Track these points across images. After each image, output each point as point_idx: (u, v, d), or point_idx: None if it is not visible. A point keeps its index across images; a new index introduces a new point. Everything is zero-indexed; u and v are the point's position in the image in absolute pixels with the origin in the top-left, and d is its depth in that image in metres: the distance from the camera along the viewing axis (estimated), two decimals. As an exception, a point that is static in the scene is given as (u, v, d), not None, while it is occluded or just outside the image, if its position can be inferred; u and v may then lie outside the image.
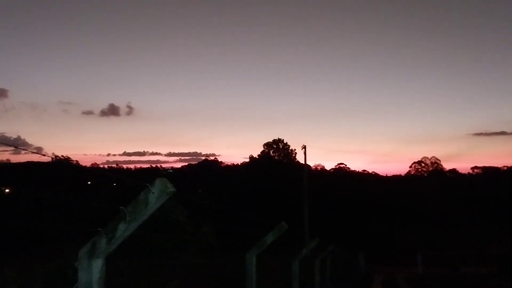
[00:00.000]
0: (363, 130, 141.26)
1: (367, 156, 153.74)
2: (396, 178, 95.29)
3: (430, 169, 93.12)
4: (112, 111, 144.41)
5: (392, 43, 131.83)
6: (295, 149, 79.21)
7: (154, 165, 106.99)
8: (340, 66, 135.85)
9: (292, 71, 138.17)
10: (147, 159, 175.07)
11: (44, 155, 2.53)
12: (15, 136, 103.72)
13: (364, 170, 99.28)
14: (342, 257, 19.71)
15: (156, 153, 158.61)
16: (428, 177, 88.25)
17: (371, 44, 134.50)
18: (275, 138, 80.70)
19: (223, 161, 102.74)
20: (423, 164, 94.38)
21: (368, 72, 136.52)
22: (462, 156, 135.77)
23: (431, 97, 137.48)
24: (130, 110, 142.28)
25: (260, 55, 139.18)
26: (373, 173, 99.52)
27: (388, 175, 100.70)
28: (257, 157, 79.89)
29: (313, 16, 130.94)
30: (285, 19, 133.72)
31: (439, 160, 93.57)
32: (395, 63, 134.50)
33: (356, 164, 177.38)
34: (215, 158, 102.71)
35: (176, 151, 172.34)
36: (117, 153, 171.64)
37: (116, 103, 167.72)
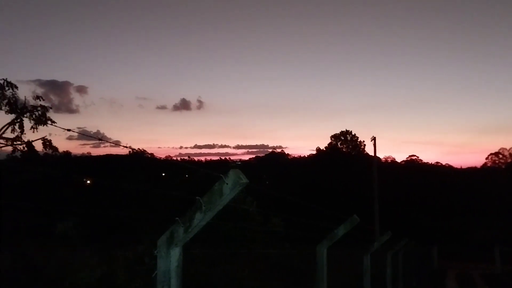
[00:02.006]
0: (436, 119, 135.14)
1: (440, 147, 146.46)
2: (471, 171, 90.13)
3: (509, 160, 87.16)
4: (183, 105, 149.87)
5: (465, 27, 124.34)
6: (363, 141, 77.56)
7: (223, 158, 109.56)
8: (410, 53, 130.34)
9: (360, 61, 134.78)
10: (217, 152, 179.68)
11: (125, 146, 2.67)
12: (94, 130, 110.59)
13: (437, 162, 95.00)
14: (415, 252, 19.05)
15: (225, 146, 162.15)
16: (506, 169, 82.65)
17: (442, 30, 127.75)
18: (343, 130, 79.35)
19: (290, 153, 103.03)
20: (500, 156, 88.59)
21: (440, 59, 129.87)
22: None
23: (509, 83, 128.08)
24: (200, 104, 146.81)
25: (328, 46, 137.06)
26: (447, 165, 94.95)
27: (462, 167, 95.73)
28: (324, 149, 79.01)
29: (380, 5, 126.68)
30: (350, 9, 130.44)
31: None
32: (468, 47, 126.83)
33: (428, 156, 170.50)
34: (282, 150, 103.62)
35: (244, 144, 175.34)
36: (188, 146, 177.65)
37: (188, 98, 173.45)
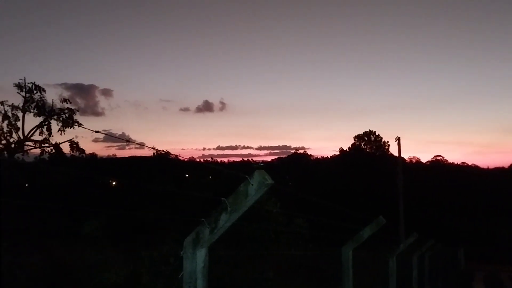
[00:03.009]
0: (461, 119, 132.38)
1: (466, 148, 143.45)
2: (498, 171, 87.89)
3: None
4: (206, 107, 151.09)
5: (491, 23, 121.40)
6: (388, 141, 76.59)
7: (245, 159, 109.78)
8: (434, 52, 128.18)
9: (384, 60, 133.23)
10: (239, 153, 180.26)
11: (151, 148, 2.69)
12: (120, 133, 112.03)
13: (463, 163, 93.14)
14: (441, 254, 18.69)
15: (248, 147, 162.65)
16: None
17: (467, 28, 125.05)
18: (366, 130, 78.51)
19: (312, 154, 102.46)
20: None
21: (466, 57, 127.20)
22: None
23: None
24: (223, 106, 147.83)
25: (351, 47, 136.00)
26: (473, 165, 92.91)
27: (489, 168, 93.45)
28: (347, 150, 78.33)
29: (403, 4, 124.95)
30: (374, 9, 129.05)
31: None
32: (494, 46, 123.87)
33: (454, 156, 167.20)
34: (305, 151, 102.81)
35: (267, 145, 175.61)
36: (211, 147, 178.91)
37: (210, 100, 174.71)
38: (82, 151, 25.18)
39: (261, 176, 2.58)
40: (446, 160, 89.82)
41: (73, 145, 24.68)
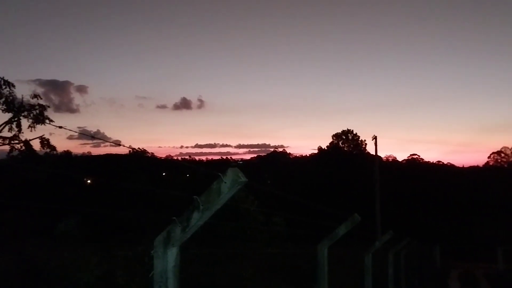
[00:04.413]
0: (438, 118, 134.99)
1: (442, 146, 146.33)
2: (473, 170, 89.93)
3: (511, 159, 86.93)
4: (184, 104, 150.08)
5: (469, 27, 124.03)
6: (365, 140, 77.45)
7: (224, 157, 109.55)
8: (411, 52, 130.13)
9: (362, 60, 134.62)
10: (218, 151, 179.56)
11: (129, 147, 2.61)
12: (95, 130, 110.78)
13: (438, 161, 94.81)
14: (417, 251, 18.98)
15: (227, 145, 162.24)
16: (509, 168, 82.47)
17: (446, 29, 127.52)
18: (344, 129, 79.26)
19: (291, 152, 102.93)
20: (503, 155, 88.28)
21: (442, 58, 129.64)
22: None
23: (511, 81, 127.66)
24: (201, 104, 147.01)
25: (330, 46, 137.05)
26: (449, 164, 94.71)
27: (465, 166, 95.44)
28: (325, 148, 78.95)
29: (381, 5, 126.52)
30: (352, 9, 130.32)
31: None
32: (471, 46, 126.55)
33: (430, 155, 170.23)
34: (284, 149, 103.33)
35: (246, 143, 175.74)
36: (189, 145, 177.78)
37: (188, 97, 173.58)
38: (53, 148, 24.69)
39: (235, 173, 2.54)
40: (422, 159, 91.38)
41: (44, 142, 24.18)
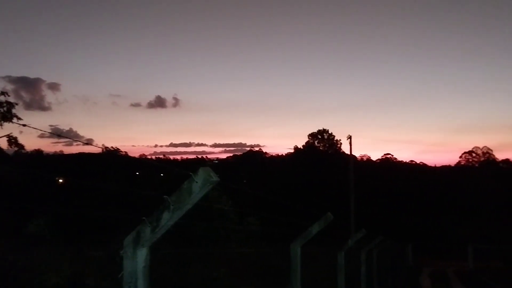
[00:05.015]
0: (411, 119, 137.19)
1: (415, 146, 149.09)
2: (445, 169, 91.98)
3: (482, 159, 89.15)
4: (159, 103, 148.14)
5: (441, 28, 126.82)
6: (340, 140, 78.31)
7: (200, 156, 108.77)
8: (387, 53, 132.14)
9: (337, 60, 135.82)
10: (193, 150, 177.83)
11: (104, 147, 2.56)
12: (67, 128, 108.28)
13: (411, 161, 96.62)
14: (390, 249, 19.28)
15: (202, 144, 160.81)
16: (480, 168, 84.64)
17: (419, 30, 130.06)
18: (320, 129, 80.00)
19: (268, 151, 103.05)
20: (474, 154, 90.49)
21: (415, 59, 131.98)
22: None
23: (483, 84, 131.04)
24: (176, 102, 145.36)
25: (306, 45, 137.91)
26: (421, 163, 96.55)
27: (437, 166, 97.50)
28: (301, 147, 79.49)
29: (356, 7, 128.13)
30: (327, 10, 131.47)
31: (491, 150, 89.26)
32: (443, 49, 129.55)
33: (403, 154, 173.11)
34: (260, 148, 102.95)
35: (222, 142, 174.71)
36: (164, 144, 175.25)
37: (163, 95, 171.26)
38: (21, 146, 24.09)
39: (206, 173, 2.52)
40: (396, 158, 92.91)
41: (11, 140, 23.57)
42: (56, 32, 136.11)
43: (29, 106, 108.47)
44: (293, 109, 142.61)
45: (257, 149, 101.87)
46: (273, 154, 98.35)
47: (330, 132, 79.30)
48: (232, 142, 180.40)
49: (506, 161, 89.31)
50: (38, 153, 67.51)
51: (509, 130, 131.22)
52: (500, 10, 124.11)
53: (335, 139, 78.91)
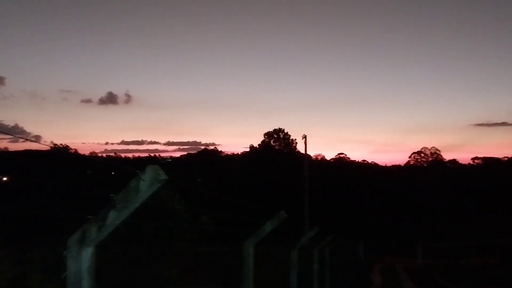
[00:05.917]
0: (364, 119, 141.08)
1: (367, 146, 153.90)
2: (395, 168, 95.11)
3: (430, 159, 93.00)
4: (110, 99, 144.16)
5: (392, 32, 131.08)
6: (295, 139, 79.32)
7: (152, 154, 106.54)
8: (340, 55, 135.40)
9: (293, 60, 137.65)
10: (146, 148, 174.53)
11: (53, 144, 2.44)
12: (13, 124, 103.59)
13: (364, 160, 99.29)
14: (342, 247, 19.71)
15: (155, 142, 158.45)
16: (428, 168, 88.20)
17: (371, 34, 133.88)
18: (275, 128, 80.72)
19: (223, 150, 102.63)
20: (422, 154, 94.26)
21: (368, 62, 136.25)
22: (462, 147, 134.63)
23: (432, 86, 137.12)
24: (128, 99, 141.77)
25: (261, 45, 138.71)
26: (373, 163, 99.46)
27: (387, 165, 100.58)
28: (257, 146, 79.89)
29: (312, 8, 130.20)
30: (284, 9, 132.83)
31: (439, 151, 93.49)
32: (395, 52, 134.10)
33: (356, 154, 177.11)
34: (215, 147, 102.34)
35: (176, 140, 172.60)
36: (115, 141, 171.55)
37: (115, 92, 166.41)
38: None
39: (154, 171, 2.49)
40: (349, 158, 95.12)
41: None
42: (1, 24, 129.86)
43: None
44: (249, 108, 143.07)
45: (212, 147, 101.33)
46: (229, 153, 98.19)
47: (286, 131, 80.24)
48: (187, 141, 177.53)
49: (453, 161, 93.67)
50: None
51: (457, 132, 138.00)
52: (447, 10, 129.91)
53: (291, 138, 79.98)
